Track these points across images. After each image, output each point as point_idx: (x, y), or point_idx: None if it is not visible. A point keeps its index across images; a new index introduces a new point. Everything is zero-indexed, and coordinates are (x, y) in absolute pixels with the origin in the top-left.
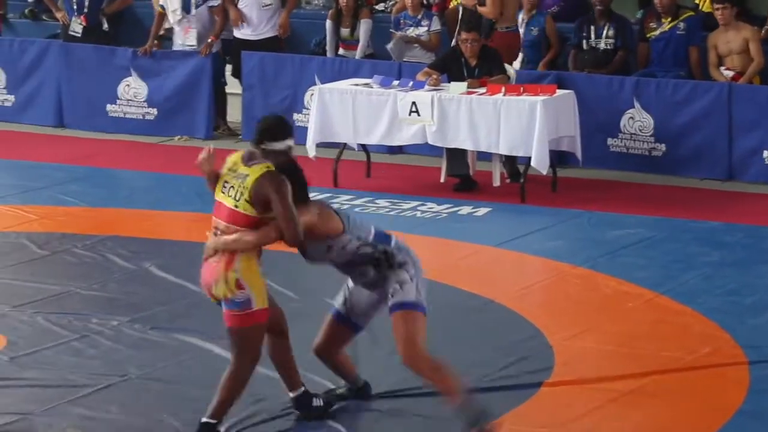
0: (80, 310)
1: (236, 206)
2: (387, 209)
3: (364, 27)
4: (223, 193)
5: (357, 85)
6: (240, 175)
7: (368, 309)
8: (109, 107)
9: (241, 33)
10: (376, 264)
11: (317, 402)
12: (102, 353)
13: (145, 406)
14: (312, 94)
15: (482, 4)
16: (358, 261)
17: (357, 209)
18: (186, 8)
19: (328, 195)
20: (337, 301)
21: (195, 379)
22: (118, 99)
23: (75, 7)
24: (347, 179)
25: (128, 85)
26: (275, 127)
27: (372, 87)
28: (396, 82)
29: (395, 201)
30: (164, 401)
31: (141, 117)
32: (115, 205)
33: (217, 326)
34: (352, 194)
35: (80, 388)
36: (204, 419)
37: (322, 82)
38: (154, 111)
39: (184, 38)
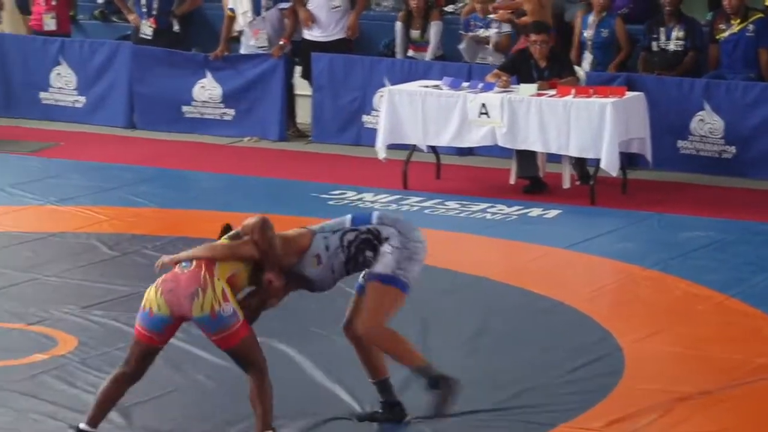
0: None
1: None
2: (457, 211)
3: (434, 29)
4: None
5: (426, 86)
6: None
7: None
8: (184, 108)
9: (310, 34)
10: (367, 244)
11: None
12: (170, 355)
13: (211, 411)
14: (381, 96)
15: (521, 15)
16: (352, 252)
17: (426, 211)
18: (256, 11)
19: (398, 197)
20: (361, 276)
21: None
22: (193, 100)
23: (145, 9)
24: (417, 181)
25: (203, 87)
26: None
27: (441, 89)
28: (465, 84)
29: (465, 203)
30: (232, 405)
31: (218, 117)
32: (185, 207)
33: (287, 327)
34: (421, 196)
35: (148, 390)
36: None
37: (392, 84)
38: (231, 111)
39: (254, 41)
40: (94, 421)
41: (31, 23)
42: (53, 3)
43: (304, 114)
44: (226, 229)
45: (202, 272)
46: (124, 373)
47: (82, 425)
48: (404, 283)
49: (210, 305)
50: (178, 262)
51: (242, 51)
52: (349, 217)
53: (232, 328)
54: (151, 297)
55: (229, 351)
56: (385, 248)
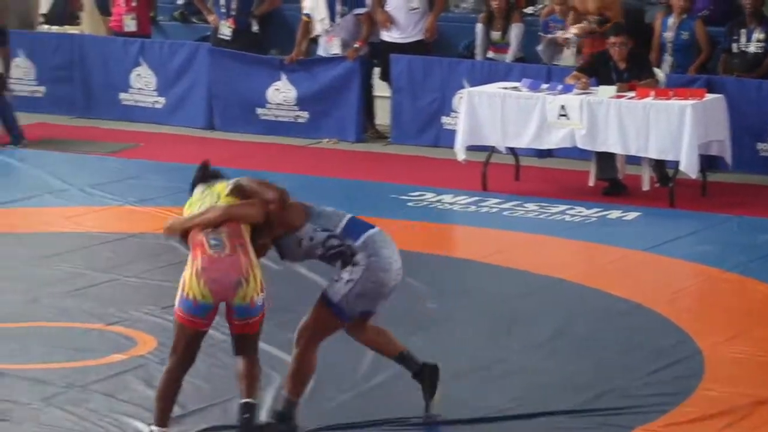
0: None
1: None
2: (536, 213)
3: (515, 31)
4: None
5: (506, 88)
6: (204, 195)
7: None
8: (259, 110)
9: (389, 36)
10: (342, 256)
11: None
12: None
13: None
14: (461, 98)
15: (603, 22)
16: (327, 255)
17: (505, 213)
18: (332, 17)
19: (477, 198)
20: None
21: (339, 378)
22: (268, 102)
23: (224, 10)
24: (496, 182)
25: (277, 89)
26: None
27: (521, 90)
28: (545, 86)
29: (543, 205)
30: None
31: (292, 120)
32: None
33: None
34: (500, 198)
35: (227, 391)
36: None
37: (471, 86)
38: (306, 114)
39: (328, 47)
40: (162, 421)
41: (111, 24)
42: (133, 4)
43: (383, 115)
44: (205, 166)
45: (243, 260)
46: (176, 363)
47: (153, 428)
48: (345, 312)
49: (251, 295)
50: (188, 228)
51: (319, 53)
52: (346, 219)
53: (259, 317)
54: (194, 286)
55: (242, 335)
56: (345, 274)
